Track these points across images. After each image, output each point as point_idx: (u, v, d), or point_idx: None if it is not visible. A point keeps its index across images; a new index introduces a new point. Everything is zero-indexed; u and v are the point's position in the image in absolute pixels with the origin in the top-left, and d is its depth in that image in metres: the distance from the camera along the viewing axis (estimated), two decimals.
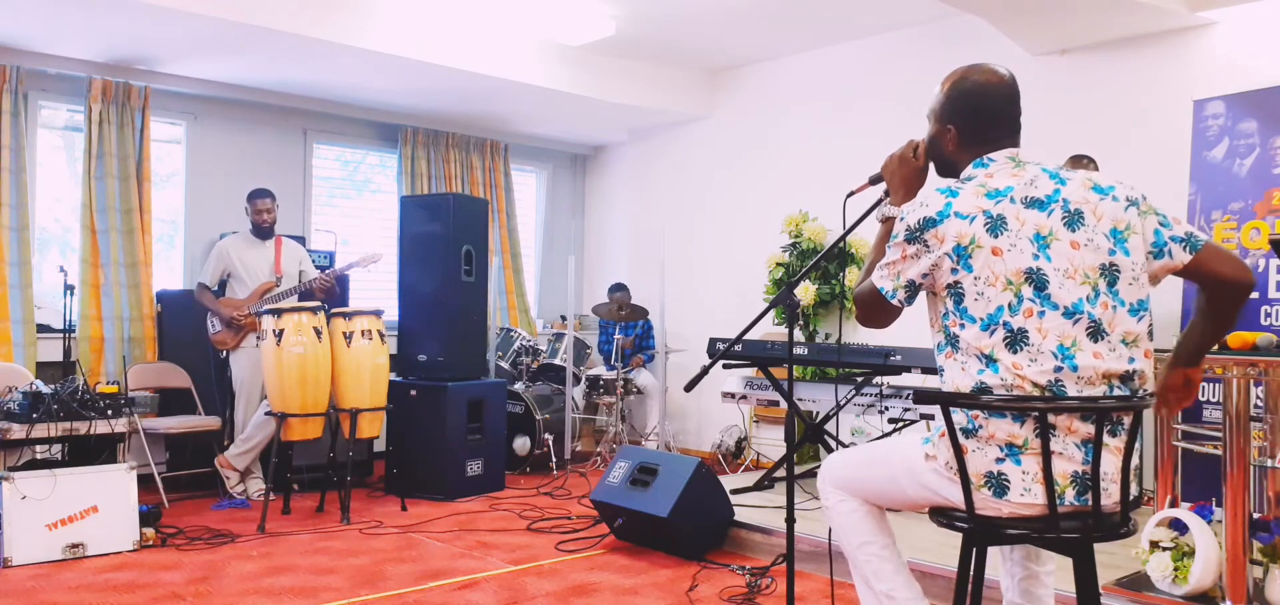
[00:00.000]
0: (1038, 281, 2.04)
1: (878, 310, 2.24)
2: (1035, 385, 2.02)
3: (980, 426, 2.06)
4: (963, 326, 2.08)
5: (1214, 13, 4.90)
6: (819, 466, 2.72)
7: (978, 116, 2.19)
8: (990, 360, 2.05)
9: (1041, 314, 2.03)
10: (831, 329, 6.48)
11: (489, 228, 6.37)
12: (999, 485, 2.04)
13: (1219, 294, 2.15)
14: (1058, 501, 2.02)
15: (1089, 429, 2.02)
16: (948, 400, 2.08)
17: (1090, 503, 2.03)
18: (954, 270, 2.08)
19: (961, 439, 2.07)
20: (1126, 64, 5.27)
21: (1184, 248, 2.12)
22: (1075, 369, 2.02)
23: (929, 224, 2.10)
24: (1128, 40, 5.23)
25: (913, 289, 2.17)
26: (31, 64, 5.76)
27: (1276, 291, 4.38)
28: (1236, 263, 2.16)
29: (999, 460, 2.04)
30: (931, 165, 2.38)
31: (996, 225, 2.06)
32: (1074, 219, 2.07)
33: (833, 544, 2.60)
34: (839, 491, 2.42)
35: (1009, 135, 2.20)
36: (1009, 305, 2.04)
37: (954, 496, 2.13)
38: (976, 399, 2.05)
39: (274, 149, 6.88)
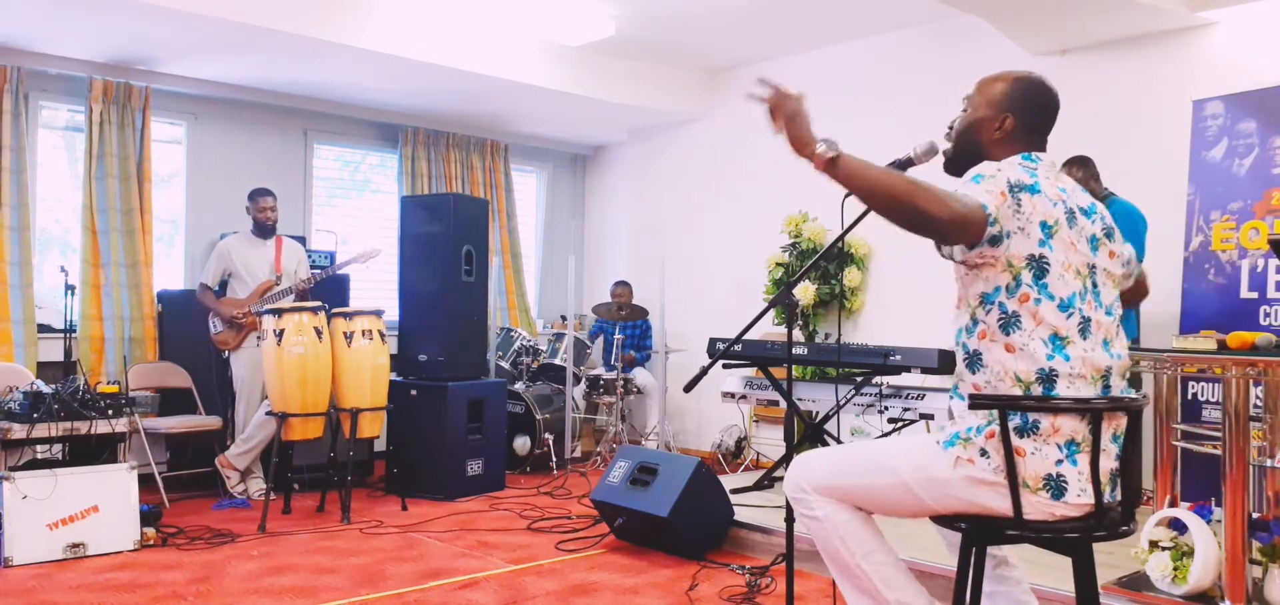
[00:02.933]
0: (1094, 279, 2.14)
1: (964, 217, 1.98)
2: (1097, 372, 2.08)
3: (1039, 423, 2.03)
4: (1039, 302, 2.06)
5: (1213, 13, 4.91)
6: None
7: (1037, 114, 2.25)
8: (1062, 344, 2.05)
9: (1096, 308, 2.12)
10: (831, 329, 6.49)
11: (489, 228, 6.37)
12: (1058, 487, 2.02)
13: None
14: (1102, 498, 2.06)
15: (1122, 422, 2.12)
16: (1007, 404, 2.03)
17: (1120, 496, 2.12)
18: (1042, 242, 2.07)
19: (1016, 439, 2.03)
20: (1126, 64, 5.27)
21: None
22: (1120, 358, 2.14)
23: (1026, 188, 2.07)
24: (1127, 40, 5.23)
25: (999, 234, 2.03)
26: (32, 64, 5.76)
27: (1276, 291, 4.38)
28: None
29: (1058, 461, 2.03)
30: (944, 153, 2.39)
31: (1072, 216, 2.13)
32: (1109, 232, 2.21)
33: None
34: (826, 499, 2.27)
35: (1043, 143, 2.27)
36: (1079, 293, 2.09)
37: (996, 504, 2.06)
38: (1031, 402, 2.04)
39: (274, 149, 6.88)
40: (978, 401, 2.08)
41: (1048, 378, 2.04)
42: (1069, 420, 2.03)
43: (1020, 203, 2.05)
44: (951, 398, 2.27)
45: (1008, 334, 2.08)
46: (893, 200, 1.98)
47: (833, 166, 2.04)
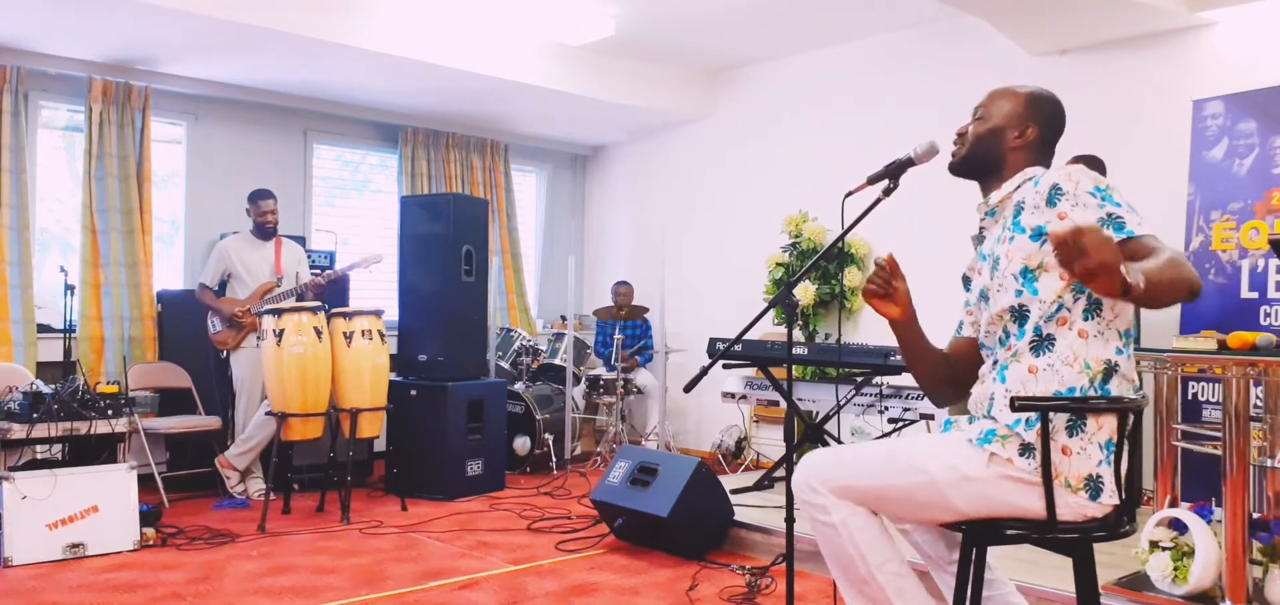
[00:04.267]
0: None
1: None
2: (1134, 378, 2.13)
3: (1087, 420, 2.04)
4: None
5: (1213, 13, 4.91)
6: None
7: (1055, 128, 2.30)
8: (1125, 345, 2.11)
9: None
10: (831, 329, 6.49)
11: (489, 228, 6.37)
12: (1096, 487, 2.03)
13: None
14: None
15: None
16: (1050, 406, 2.02)
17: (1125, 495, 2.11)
18: None
19: (1065, 438, 2.04)
20: (1126, 64, 5.27)
21: None
22: None
23: None
24: (1127, 40, 5.23)
25: None
26: (32, 64, 5.76)
27: (1276, 291, 4.38)
28: None
29: (1099, 462, 2.04)
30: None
31: None
32: None
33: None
34: (844, 502, 2.17)
35: (1052, 157, 2.31)
36: None
37: (1027, 504, 2.05)
38: (1067, 404, 2.05)
39: (274, 149, 6.88)
40: (1022, 405, 2.03)
41: (1110, 371, 2.07)
42: (1110, 419, 2.05)
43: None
44: (997, 381, 2.17)
45: (1086, 320, 2.09)
46: (1187, 289, 1.87)
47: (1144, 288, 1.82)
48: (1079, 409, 2.04)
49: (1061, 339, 2.09)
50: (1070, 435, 2.03)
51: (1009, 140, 2.26)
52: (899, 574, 2.18)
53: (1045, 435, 2.00)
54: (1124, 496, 2.06)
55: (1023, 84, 2.34)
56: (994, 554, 2.34)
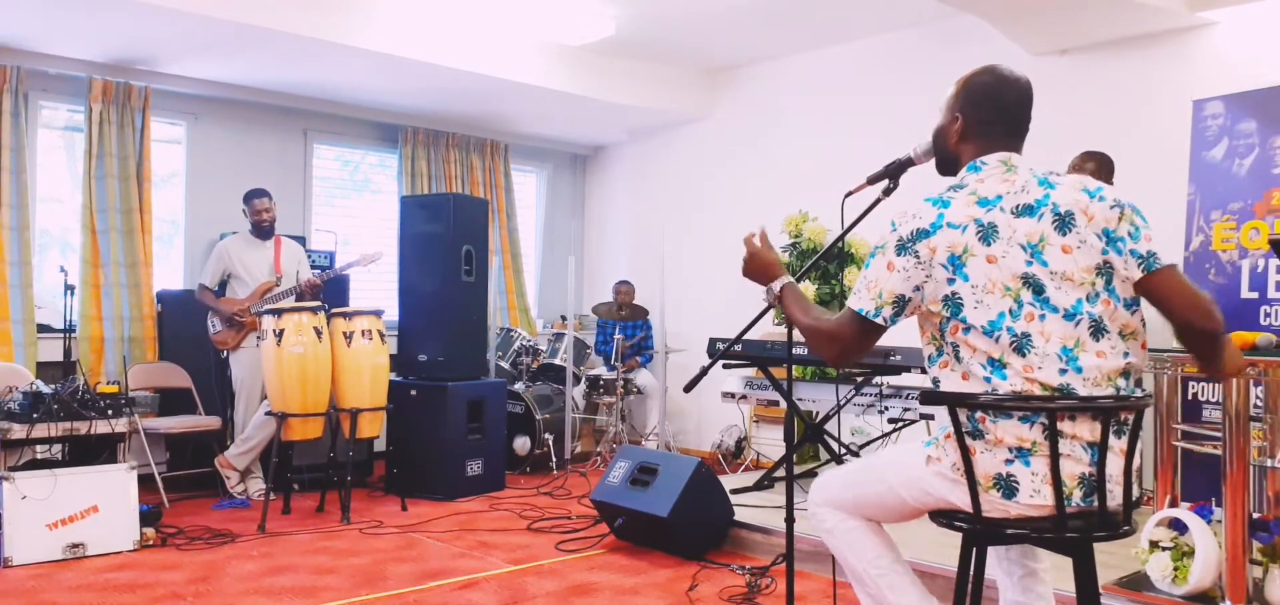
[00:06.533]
0: (1035, 286, 2.04)
1: (854, 338, 2.20)
2: (1046, 388, 2.02)
3: (986, 430, 2.05)
4: (967, 331, 2.07)
5: (1214, 13, 4.91)
6: (819, 466, 2.68)
7: (984, 110, 2.17)
8: (998, 366, 2.04)
9: (1042, 317, 2.03)
10: None
11: (489, 228, 6.37)
12: (1008, 487, 2.04)
13: (1181, 334, 2.06)
14: (1066, 503, 2.02)
15: (1095, 431, 2.02)
16: (956, 401, 2.07)
17: (1096, 504, 2.03)
18: (950, 279, 2.08)
19: (969, 440, 2.07)
20: (1126, 64, 5.27)
21: (1139, 265, 2.03)
22: (1080, 371, 2.03)
23: (922, 235, 2.10)
24: (1128, 40, 5.23)
25: (901, 304, 2.14)
26: (32, 64, 5.76)
27: (1276, 291, 4.38)
28: (1202, 306, 2.00)
29: (1007, 462, 2.04)
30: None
31: (988, 233, 2.06)
32: (1064, 222, 2.05)
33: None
34: (836, 512, 2.40)
35: (1009, 137, 2.18)
36: (1010, 310, 2.04)
37: (959, 499, 2.12)
38: (981, 400, 2.04)
39: (274, 149, 6.88)
40: (928, 397, 2.16)
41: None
42: (1011, 427, 2.02)
43: (918, 255, 2.10)
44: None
45: (957, 361, 2.11)
46: (805, 340, 2.34)
47: (778, 300, 2.45)
48: (986, 407, 2.06)
49: (945, 382, 2.14)
50: (972, 439, 2.08)
51: (950, 138, 2.23)
52: (889, 569, 2.35)
53: (959, 431, 2.06)
54: (1062, 500, 2.00)
55: (970, 70, 2.24)
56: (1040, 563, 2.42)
